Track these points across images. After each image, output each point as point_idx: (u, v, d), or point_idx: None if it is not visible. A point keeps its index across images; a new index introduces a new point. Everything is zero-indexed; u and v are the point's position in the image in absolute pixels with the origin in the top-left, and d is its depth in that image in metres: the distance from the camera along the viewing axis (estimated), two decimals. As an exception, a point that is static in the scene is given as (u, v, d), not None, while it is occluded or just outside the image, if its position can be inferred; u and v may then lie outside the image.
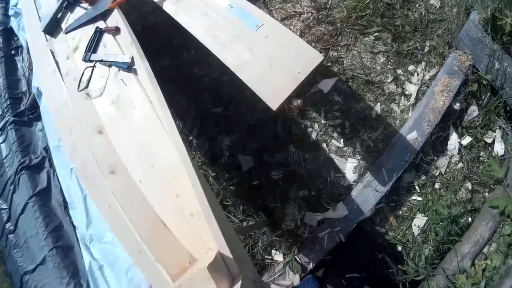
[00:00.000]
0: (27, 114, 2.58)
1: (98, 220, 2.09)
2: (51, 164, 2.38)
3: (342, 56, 1.89)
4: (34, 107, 2.56)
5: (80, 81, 1.53)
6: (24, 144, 2.48)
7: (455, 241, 1.68)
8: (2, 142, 2.54)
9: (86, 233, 2.10)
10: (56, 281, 2.10)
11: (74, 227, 2.18)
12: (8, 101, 2.62)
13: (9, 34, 2.93)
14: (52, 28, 1.81)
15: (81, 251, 2.11)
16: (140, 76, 1.35)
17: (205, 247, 1.05)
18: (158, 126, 1.23)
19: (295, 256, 1.71)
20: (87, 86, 1.50)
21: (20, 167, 2.39)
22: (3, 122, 2.57)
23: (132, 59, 1.39)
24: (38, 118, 2.55)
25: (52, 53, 1.81)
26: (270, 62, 1.27)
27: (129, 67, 1.39)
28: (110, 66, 1.46)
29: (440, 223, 1.68)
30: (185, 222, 1.11)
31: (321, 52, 1.89)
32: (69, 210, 2.21)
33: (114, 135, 1.35)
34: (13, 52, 2.89)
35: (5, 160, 2.50)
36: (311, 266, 1.70)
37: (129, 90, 1.37)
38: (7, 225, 2.39)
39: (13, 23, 2.90)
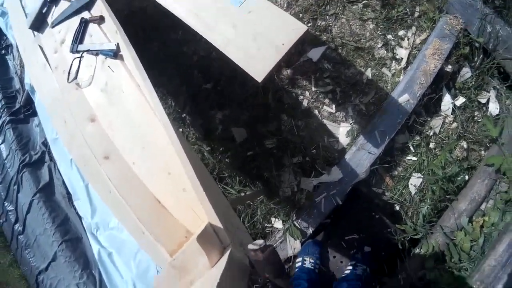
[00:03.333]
0: (23, 111, 2.65)
1: (102, 207, 2.17)
2: (51, 158, 2.46)
3: (330, 24, 1.91)
4: (29, 103, 2.63)
5: (69, 72, 1.57)
6: (23, 142, 2.56)
7: (452, 199, 1.74)
8: (1, 143, 2.63)
9: (92, 222, 2.19)
10: (69, 276, 2.21)
11: (80, 217, 2.28)
12: (2, 101, 2.69)
13: (-3, 33, 2.97)
14: (39, 23, 1.84)
15: (89, 240, 2.20)
16: (127, 62, 1.39)
17: (199, 219, 1.11)
18: (147, 108, 1.28)
19: (294, 222, 1.78)
20: (76, 77, 1.55)
21: (21, 165, 2.49)
22: (0, 122, 2.63)
23: (118, 46, 1.43)
24: (34, 113, 2.62)
25: (41, 48, 1.86)
26: (254, 37, 1.30)
27: (115, 54, 1.43)
28: (97, 55, 1.50)
29: (436, 183, 1.73)
30: (178, 198, 1.17)
31: (308, 23, 1.91)
32: (73, 201, 2.30)
33: (106, 122, 1.40)
34: (3, 51, 2.94)
35: (6, 161, 2.60)
36: (310, 230, 1.78)
37: (117, 77, 1.41)
38: (16, 226, 2.51)
39: (0, 22, 2.92)
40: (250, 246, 0.90)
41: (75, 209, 2.30)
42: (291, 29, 1.25)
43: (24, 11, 2.03)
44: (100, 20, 1.56)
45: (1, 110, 2.66)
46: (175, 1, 1.48)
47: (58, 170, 2.38)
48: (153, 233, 1.17)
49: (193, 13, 1.42)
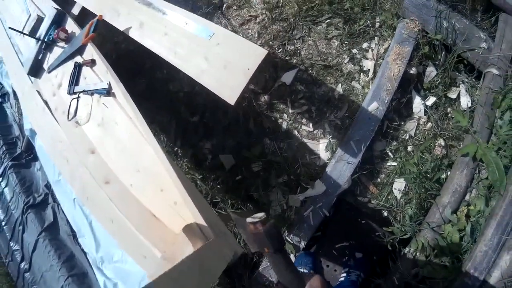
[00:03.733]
0: (24, 157, 3.02)
1: (106, 242, 2.47)
2: (54, 199, 2.77)
3: (299, 48, 2.28)
4: (30, 148, 2.99)
5: (68, 112, 1.93)
6: (26, 185, 2.90)
7: (435, 195, 1.96)
8: (5, 187, 2.98)
9: (97, 256, 2.47)
10: None
11: (85, 253, 2.56)
12: (4, 147, 3.08)
13: (-8, 83, 3.43)
14: (36, 69, 2.24)
15: (95, 274, 2.49)
16: (118, 97, 1.74)
17: None
18: (139, 136, 1.60)
19: (287, 237, 2.03)
20: (75, 115, 1.91)
21: (25, 207, 2.81)
22: (2, 167, 3.03)
23: (109, 84, 1.78)
24: (35, 158, 2.97)
25: (39, 93, 2.23)
26: (224, 65, 1.65)
27: (108, 92, 1.77)
28: (92, 94, 1.86)
29: (415, 181, 1.97)
30: (171, 211, 1.44)
31: (279, 48, 2.29)
32: (78, 239, 2.57)
33: (104, 152, 1.73)
34: (0, 100, 3.39)
35: (10, 204, 2.92)
36: (303, 244, 2.02)
37: (111, 111, 1.75)
38: (22, 264, 2.78)
39: (-5, 72, 3.39)
40: (249, 220, 0.97)
41: (80, 246, 2.58)
42: (254, 55, 1.61)
43: (20, 59, 2.44)
44: (92, 63, 1.93)
45: (3, 156, 3.04)
46: (156, 42, 1.88)
47: (62, 210, 2.68)
48: (151, 241, 1.49)
49: (172, 51, 1.80)
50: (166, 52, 1.83)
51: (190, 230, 1.23)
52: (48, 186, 2.86)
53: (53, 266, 2.60)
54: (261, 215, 0.97)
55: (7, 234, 2.92)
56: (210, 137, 2.36)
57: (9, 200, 2.94)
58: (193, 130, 2.40)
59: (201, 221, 1.31)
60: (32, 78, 2.32)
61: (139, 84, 2.60)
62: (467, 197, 1.94)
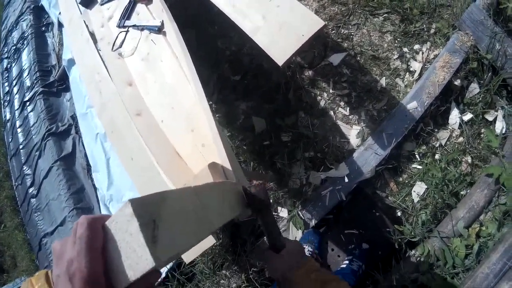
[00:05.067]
0: (56, 85, 3.03)
1: (119, 181, 2.46)
2: (77, 131, 2.78)
3: (352, 33, 2.23)
4: (63, 78, 3.01)
5: (114, 43, 1.92)
6: (52, 113, 2.91)
7: (451, 206, 1.92)
8: (31, 111, 2.99)
9: (107, 194, 2.48)
10: None
11: (95, 188, 2.56)
12: (37, 73, 3.09)
13: (40, 11, 3.44)
14: (88, 0, 2.24)
15: (100, 211, 2.49)
16: (169, 36, 1.72)
17: None
18: (181, 75, 1.58)
19: (299, 212, 2.01)
20: (120, 47, 1.90)
21: (46, 133, 2.81)
22: (32, 92, 3.04)
23: (162, 23, 1.76)
24: (67, 89, 2.98)
25: (86, 24, 2.24)
26: (280, 27, 1.62)
27: (159, 30, 1.75)
28: (142, 30, 1.84)
29: (437, 187, 1.93)
30: (196, 152, 1.42)
31: (332, 30, 2.25)
32: (92, 173, 2.59)
33: (142, 86, 1.72)
34: (43, 28, 3.39)
35: (32, 128, 2.93)
36: (313, 222, 1.98)
37: (158, 48, 1.74)
38: (30, 189, 2.80)
39: (44, 1, 3.39)
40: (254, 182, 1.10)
41: (92, 180, 2.59)
42: (311, 23, 1.58)
43: None
44: (148, 1, 1.91)
45: (35, 81, 3.06)
46: (216, -8, 1.86)
47: (82, 143, 2.69)
48: (171, 178, 1.47)
49: (230, 3, 1.78)
50: (225, 3, 1.79)
51: (214, 167, 1.20)
52: (74, 117, 2.86)
53: (61, 196, 2.61)
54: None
55: (22, 158, 2.93)
56: (247, 99, 2.33)
57: (31, 125, 2.96)
58: (232, 88, 2.38)
59: (227, 165, 1.27)
60: (82, 9, 2.30)
61: (187, 33, 2.56)
62: (481, 217, 1.90)
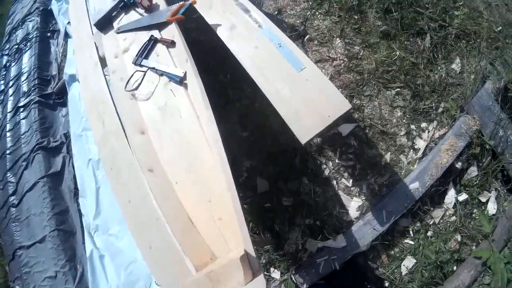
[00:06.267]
0: (53, 98, 2.85)
1: (108, 213, 2.32)
2: (69, 151, 2.62)
3: (364, 105, 2.23)
4: (62, 92, 2.84)
5: (128, 81, 1.80)
6: (45, 126, 2.73)
7: (438, 284, 1.93)
8: (23, 119, 2.79)
9: (93, 222, 2.33)
10: (51, 262, 2.29)
11: (80, 214, 2.40)
12: (36, 80, 2.90)
13: (48, 16, 3.24)
14: (104, 24, 2.09)
15: (84, 238, 2.34)
16: (191, 91, 1.62)
17: (227, 247, 1.29)
18: (202, 138, 1.49)
19: (292, 276, 1.97)
20: (136, 89, 1.78)
21: (37, 146, 2.64)
22: (27, 99, 2.84)
23: (185, 74, 1.67)
24: (64, 104, 2.82)
25: (96, 46, 2.10)
26: (306, 103, 1.56)
27: (180, 81, 1.66)
28: (161, 75, 1.74)
29: (427, 266, 1.95)
30: (212, 225, 1.35)
31: (346, 98, 2.24)
32: (79, 198, 2.44)
33: (156, 138, 1.61)
34: (48, 34, 3.20)
35: (22, 136, 2.74)
36: (304, 287, 1.95)
37: (178, 101, 1.64)
38: (11, 198, 2.59)
39: (53, 6, 3.20)
40: None
41: (78, 205, 2.43)
42: (338, 105, 1.54)
43: (87, 4, 2.30)
44: (171, 44, 1.81)
45: (33, 88, 2.86)
46: (243, 50, 1.77)
47: (73, 165, 2.54)
48: (182, 244, 1.35)
49: (258, 67, 1.70)
50: (251, 65, 1.72)
51: (245, 260, 1.14)
52: (67, 135, 2.70)
53: (44, 213, 2.43)
54: None
55: (8, 163, 2.72)
56: (252, 157, 2.26)
57: (22, 133, 2.76)
58: (238, 144, 2.30)
59: (251, 251, 1.21)
60: (95, 30, 2.17)
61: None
62: None
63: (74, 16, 2.43)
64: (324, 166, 2.19)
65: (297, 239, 2.05)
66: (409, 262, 2.02)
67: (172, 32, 1.88)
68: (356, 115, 2.22)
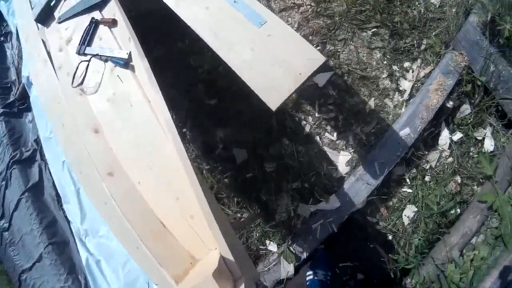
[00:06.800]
0: (17, 105, 2.48)
1: (92, 214, 2.07)
2: (42, 157, 2.32)
3: (339, 50, 1.88)
4: (24, 97, 2.46)
5: (74, 76, 1.46)
6: (15, 137, 2.40)
7: (444, 232, 1.73)
8: None
9: (81, 228, 2.07)
10: (53, 278, 2.08)
11: (68, 221, 2.15)
12: (-4, 91, 2.50)
13: (-1, 18, 2.76)
14: (45, 16, 1.71)
15: (77, 246, 2.08)
16: (138, 74, 1.30)
17: (206, 247, 1.06)
18: (157, 127, 1.20)
19: (289, 247, 1.74)
20: (82, 83, 1.44)
21: (11, 161, 2.33)
22: (-8, 115, 2.45)
23: (130, 55, 1.33)
24: (28, 108, 2.46)
25: (44, 43, 1.72)
26: (272, 62, 1.23)
27: (126, 64, 1.33)
28: (106, 61, 1.40)
29: (431, 217, 1.72)
30: (185, 224, 1.10)
31: (317, 46, 1.88)
32: (63, 205, 2.17)
33: (111, 135, 1.31)
34: (1, 38, 2.74)
35: None
36: (305, 255, 1.73)
37: (126, 88, 1.32)
38: (1, 222, 2.33)
39: (2, 7, 2.72)
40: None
41: (63, 212, 2.17)
42: (309, 59, 1.19)
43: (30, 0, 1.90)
44: (112, 23, 1.44)
45: (-5, 101, 2.48)
46: (194, 15, 1.38)
47: (49, 171, 2.25)
48: (157, 256, 1.09)
49: (212, 31, 1.33)
50: (204, 30, 1.35)
51: (219, 275, 0.84)
52: (37, 141, 2.37)
53: (34, 230, 2.18)
54: None
55: None
56: (225, 125, 1.94)
57: None
58: (207, 114, 1.97)
59: (228, 254, 0.95)
60: (39, 25, 1.77)
61: (156, 50, 2.10)
62: (473, 240, 1.72)
63: (19, 14, 2.00)
64: (304, 122, 1.87)
65: (287, 206, 1.79)
66: (409, 211, 1.78)
67: (113, 9, 1.49)
68: (332, 62, 1.88)
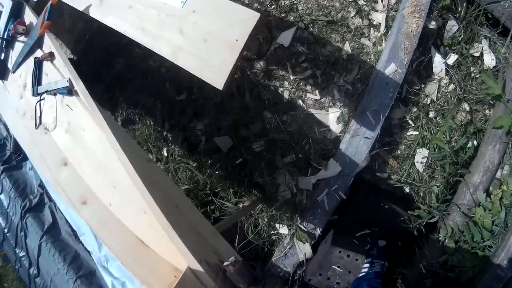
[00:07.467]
0: (14, 158, 2.60)
1: (108, 241, 2.08)
2: (50, 198, 2.38)
3: (295, 2, 1.73)
4: (18, 148, 2.56)
5: (35, 118, 1.47)
6: (21, 188, 2.50)
7: (463, 173, 1.56)
8: (0, 194, 2.58)
9: (101, 255, 2.09)
10: None
11: (89, 252, 2.19)
12: (-8, 151, 2.62)
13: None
14: (1, 70, 1.76)
15: (101, 273, 2.12)
16: (82, 96, 1.27)
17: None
18: (107, 145, 1.15)
19: (299, 226, 1.63)
20: (40, 122, 1.45)
21: (23, 211, 2.42)
22: (-7, 174, 2.58)
23: (70, 81, 1.31)
24: (25, 158, 2.55)
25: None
26: (204, 38, 1.14)
27: (69, 91, 1.31)
28: (55, 94, 1.40)
29: (445, 158, 1.54)
30: (159, 235, 1.03)
31: (271, 5, 1.74)
32: (80, 237, 2.21)
33: (78, 164, 1.29)
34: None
35: (8, 210, 2.55)
36: (318, 231, 1.63)
37: (77, 114, 1.30)
38: (31, 270, 2.45)
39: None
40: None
41: (82, 244, 2.21)
42: (243, 20, 1.09)
43: None
44: (51, 56, 1.44)
45: (-7, 160, 2.60)
46: (120, 18, 1.35)
47: (59, 209, 2.30)
48: (139, 276, 1.06)
49: (139, 27, 1.27)
50: (132, 29, 1.32)
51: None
52: (42, 185, 2.45)
53: (60, 269, 2.24)
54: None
55: (11, 241, 2.56)
56: (201, 117, 1.87)
57: (6, 207, 2.56)
58: (181, 110, 1.91)
59: (195, 265, 0.90)
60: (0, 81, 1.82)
61: (118, 63, 2.07)
62: (498, 174, 1.55)
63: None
64: (281, 89, 1.74)
65: (287, 183, 1.68)
66: (421, 156, 1.62)
67: (48, 43, 1.51)
68: (291, 17, 1.73)
